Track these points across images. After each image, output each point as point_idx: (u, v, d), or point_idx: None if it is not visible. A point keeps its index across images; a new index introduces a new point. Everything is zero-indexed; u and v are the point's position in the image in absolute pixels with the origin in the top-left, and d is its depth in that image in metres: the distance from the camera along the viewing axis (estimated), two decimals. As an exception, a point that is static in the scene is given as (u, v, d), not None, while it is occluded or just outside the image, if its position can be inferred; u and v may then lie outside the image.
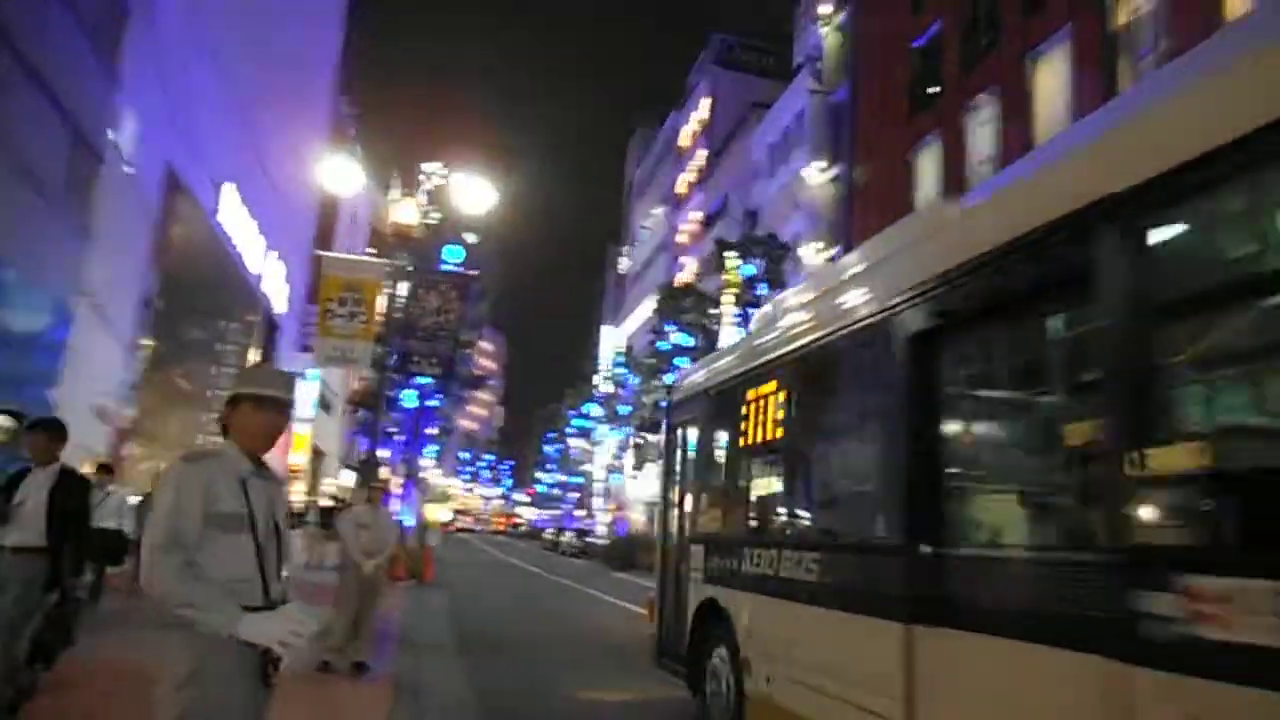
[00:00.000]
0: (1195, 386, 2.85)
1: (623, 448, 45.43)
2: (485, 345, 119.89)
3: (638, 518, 49.36)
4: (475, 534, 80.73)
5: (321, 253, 10.23)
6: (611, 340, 67.30)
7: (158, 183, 20.58)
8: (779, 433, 5.56)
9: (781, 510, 5.68)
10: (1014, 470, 3.79)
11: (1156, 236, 2.89)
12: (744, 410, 5.98)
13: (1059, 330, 3.45)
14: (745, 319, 26.63)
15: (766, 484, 5.89)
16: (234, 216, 27.08)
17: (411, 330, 10.03)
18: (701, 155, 51.53)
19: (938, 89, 26.04)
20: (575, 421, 59.42)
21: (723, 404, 6.47)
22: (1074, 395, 3.32)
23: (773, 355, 5.78)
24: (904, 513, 3.95)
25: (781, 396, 5.55)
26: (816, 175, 32.83)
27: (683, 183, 55.15)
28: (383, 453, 19.71)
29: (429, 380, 17.13)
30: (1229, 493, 2.53)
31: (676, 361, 32.54)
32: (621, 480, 46.97)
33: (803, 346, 5.36)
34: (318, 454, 48.13)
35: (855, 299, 4.84)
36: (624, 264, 69.64)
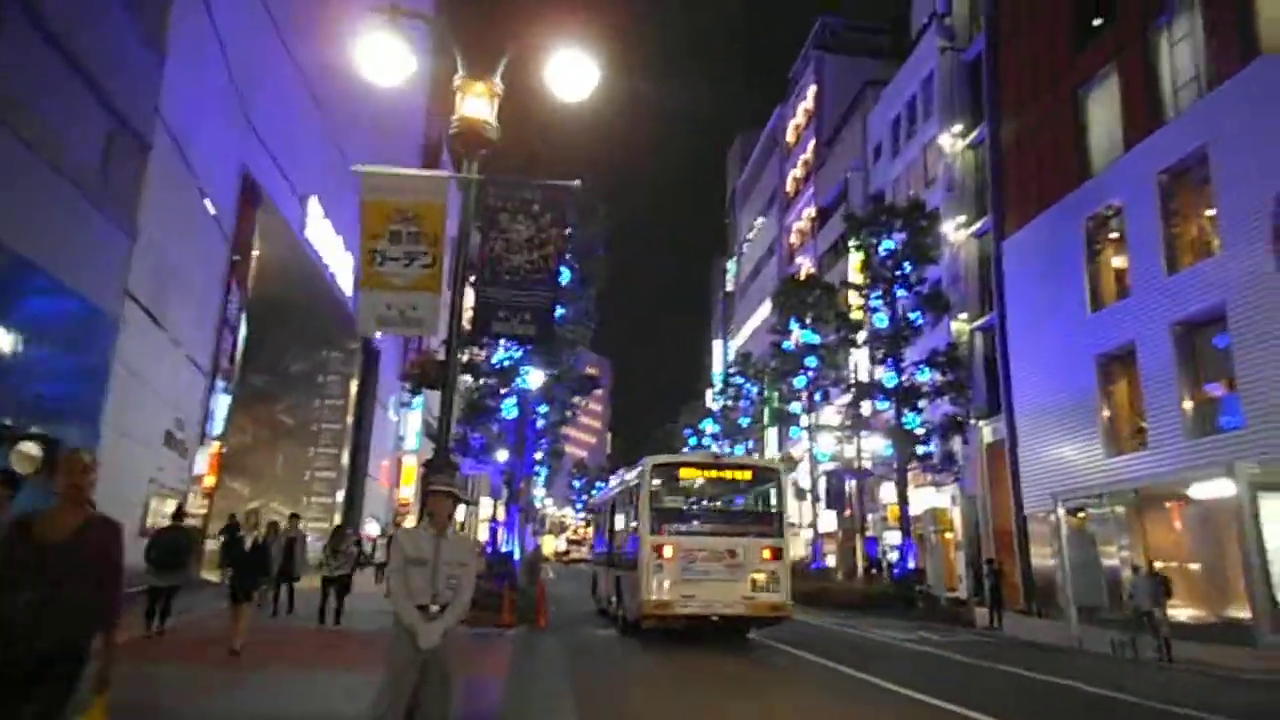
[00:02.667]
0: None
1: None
2: (590, 370, 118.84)
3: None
4: (589, 564, 77.82)
5: (360, 167, 7.08)
6: (724, 354, 63.90)
7: (231, 188, 18.93)
8: (613, 519, 17.51)
9: (618, 545, 16.41)
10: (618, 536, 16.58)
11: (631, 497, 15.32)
12: (606, 511, 18.44)
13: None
14: (889, 300, 22.88)
15: (611, 537, 17.63)
16: (321, 231, 25.51)
17: (496, 274, 6.97)
18: (810, 147, 47.92)
19: (1105, 18, 21.84)
20: (692, 440, 56.08)
21: (600, 508, 19.70)
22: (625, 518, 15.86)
23: (607, 496, 19.29)
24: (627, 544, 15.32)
25: (610, 509, 18.14)
26: (953, 142, 28.80)
27: (791, 180, 51.60)
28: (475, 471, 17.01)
29: (515, 353, 14.41)
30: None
31: (807, 362, 29.01)
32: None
33: (612, 495, 18.33)
34: (428, 486, 46.75)
35: (616, 485, 18.24)
36: (730, 274, 66.27)
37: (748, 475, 15.44)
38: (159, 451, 15.64)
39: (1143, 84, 20.13)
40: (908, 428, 22.06)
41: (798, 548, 43.36)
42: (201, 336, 17.90)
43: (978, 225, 27.72)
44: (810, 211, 46.74)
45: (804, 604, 22.59)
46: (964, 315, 26.79)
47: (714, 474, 15.20)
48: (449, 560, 4.94)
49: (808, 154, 48.65)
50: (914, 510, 29.52)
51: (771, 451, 44.50)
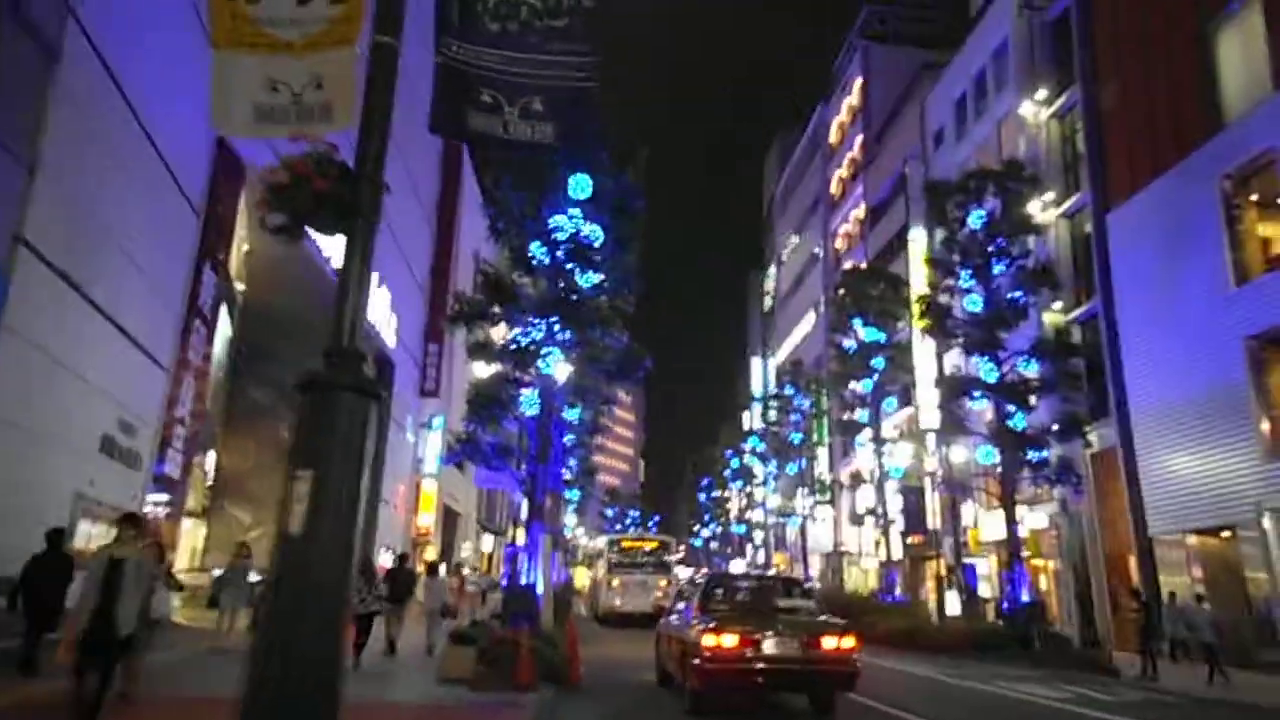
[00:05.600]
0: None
1: (807, 486, 37.78)
2: (622, 397, 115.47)
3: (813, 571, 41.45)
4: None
5: None
6: (763, 372, 60.23)
7: (202, 152, 15.97)
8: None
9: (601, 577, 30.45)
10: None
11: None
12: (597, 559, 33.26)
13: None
14: (985, 279, 19.18)
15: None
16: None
17: (475, 25, 3.55)
18: (857, 144, 44.53)
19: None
20: (734, 462, 52.46)
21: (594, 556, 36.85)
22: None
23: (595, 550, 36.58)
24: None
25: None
26: (1036, 112, 25.24)
27: (836, 181, 48.15)
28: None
29: (537, 332, 11.11)
30: None
31: (873, 363, 25.32)
32: (798, 524, 39.30)
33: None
34: (450, 515, 43.44)
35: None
36: (769, 284, 62.70)
37: (655, 543, 29.76)
38: (92, 460, 12.46)
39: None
40: (1016, 429, 18.26)
41: (857, 578, 39.43)
42: (161, 327, 14.81)
43: (1069, 203, 24.04)
44: (858, 213, 43.22)
45: (895, 647, 18.78)
46: (1057, 305, 23.01)
47: (636, 544, 29.87)
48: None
49: (854, 152, 45.24)
50: (994, 534, 25.62)
51: (823, 469, 40.66)
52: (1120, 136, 21.98)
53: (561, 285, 12.60)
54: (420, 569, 19.72)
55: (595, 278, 12.70)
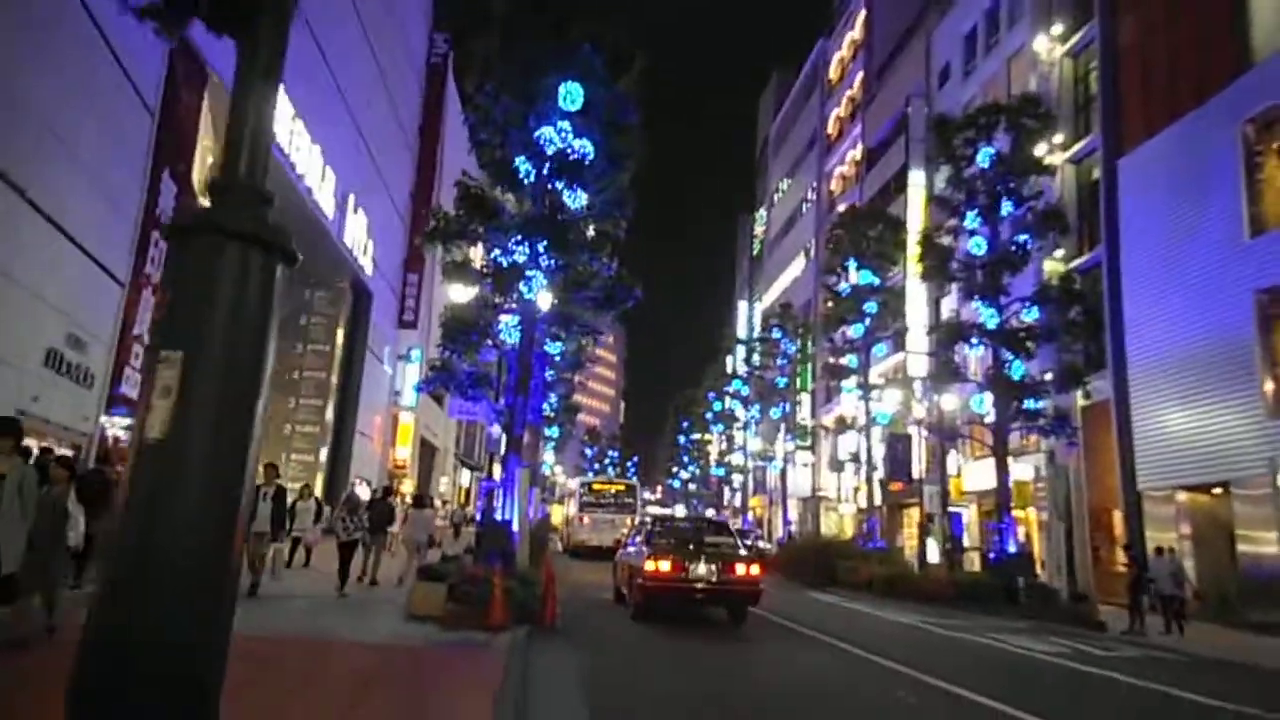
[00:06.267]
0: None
1: (790, 431, 37.37)
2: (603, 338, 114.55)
3: (794, 516, 41.43)
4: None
5: None
6: (749, 317, 59.53)
7: (153, 43, 14.68)
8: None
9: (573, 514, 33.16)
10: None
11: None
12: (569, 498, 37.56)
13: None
14: (992, 220, 18.35)
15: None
16: (290, 134, 21.22)
17: None
18: (857, 82, 43.05)
19: None
20: (716, 405, 52.02)
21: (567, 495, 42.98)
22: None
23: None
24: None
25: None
26: (1050, 48, 24.13)
27: (834, 121, 46.73)
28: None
29: (519, 254, 10.34)
30: None
31: (866, 307, 24.60)
32: (780, 469, 39.03)
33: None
34: (427, 448, 42.78)
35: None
36: (759, 227, 61.56)
37: (621, 486, 33.87)
38: (36, 376, 11.56)
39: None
40: (1014, 378, 17.65)
41: (833, 522, 39.44)
42: (115, 239, 13.73)
43: (1078, 147, 23.12)
44: (855, 154, 42.02)
45: (876, 594, 18.49)
46: (1059, 253, 22.28)
47: (604, 486, 33.95)
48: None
49: (854, 90, 43.79)
50: (976, 484, 25.35)
51: (805, 414, 40.30)
52: (1137, 77, 21.00)
53: (548, 204, 11.66)
54: (397, 501, 19.19)
55: (584, 197, 11.75)
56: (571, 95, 11.64)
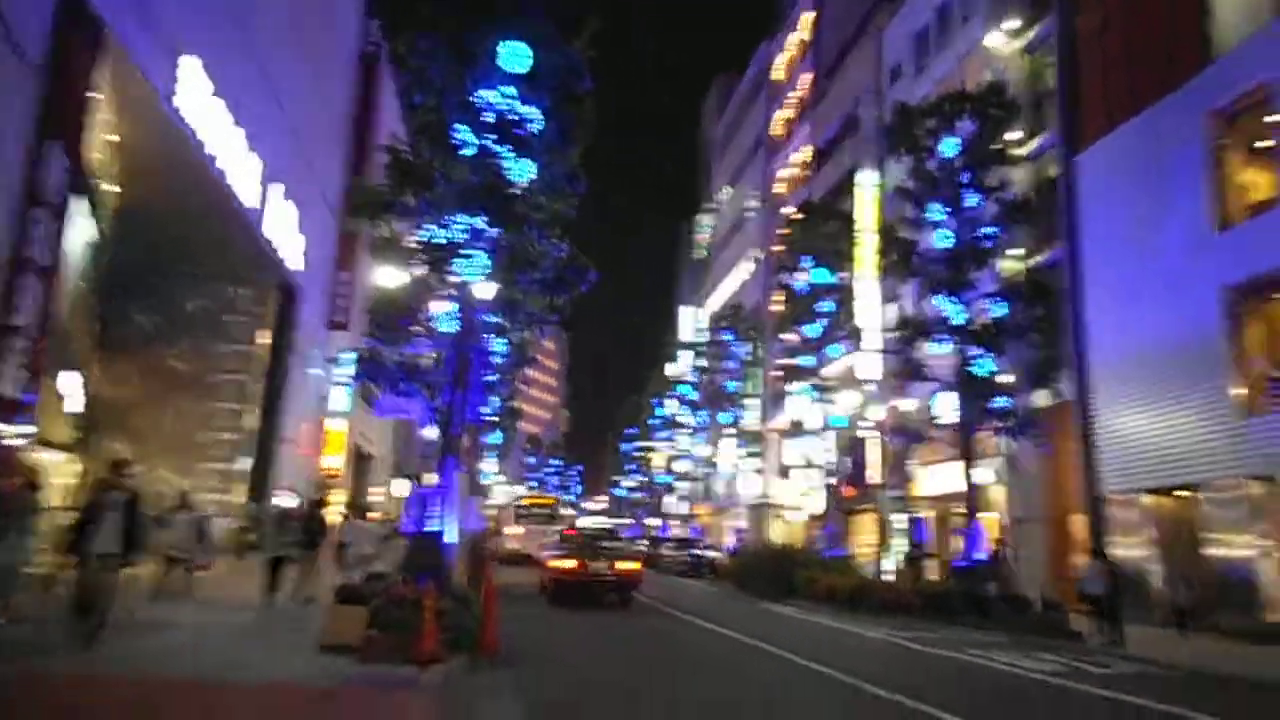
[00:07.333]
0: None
1: (738, 437, 36.37)
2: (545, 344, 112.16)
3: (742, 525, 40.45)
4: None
5: None
6: (694, 321, 58.64)
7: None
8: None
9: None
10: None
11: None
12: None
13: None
14: (957, 212, 17.61)
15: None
16: (202, 108, 19.26)
17: None
18: (805, 83, 42.57)
19: None
20: (660, 411, 50.85)
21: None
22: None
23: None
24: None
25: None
26: (1006, 43, 23.71)
27: (780, 122, 46.20)
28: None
29: (458, 229, 9.10)
30: None
31: (822, 307, 23.74)
32: (729, 476, 38.02)
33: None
34: (361, 457, 40.57)
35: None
36: (705, 231, 60.78)
37: (550, 500, 39.16)
38: None
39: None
40: (980, 375, 16.87)
41: (780, 530, 38.57)
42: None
43: (1034, 144, 22.71)
44: (803, 155, 41.47)
45: (843, 609, 17.46)
46: (1018, 252, 21.75)
47: (534, 501, 38.30)
48: None
49: (801, 91, 43.30)
50: (932, 489, 24.71)
51: (753, 419, 39.42)
52: (1096, 72, 20.61)
53: (490, 174, 10.31)
54: (328, 513, 17.63)
55: (530, 167, 10.44)
56: (516, 55, 10.33)
